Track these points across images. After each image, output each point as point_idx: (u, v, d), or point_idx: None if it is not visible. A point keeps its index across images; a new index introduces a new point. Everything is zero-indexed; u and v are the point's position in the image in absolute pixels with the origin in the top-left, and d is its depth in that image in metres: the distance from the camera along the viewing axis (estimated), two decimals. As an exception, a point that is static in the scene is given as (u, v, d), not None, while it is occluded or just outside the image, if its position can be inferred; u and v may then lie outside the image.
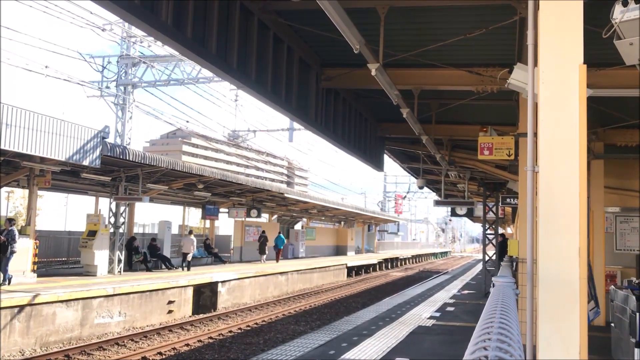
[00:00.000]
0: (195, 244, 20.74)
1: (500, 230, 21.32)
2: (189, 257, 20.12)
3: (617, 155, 11.39)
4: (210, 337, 13.12)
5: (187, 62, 21.55)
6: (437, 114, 11.70)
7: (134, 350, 11.53)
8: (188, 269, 19.85)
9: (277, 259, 27.24)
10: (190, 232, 22.21)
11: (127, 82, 22.64)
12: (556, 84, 3.35)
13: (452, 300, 15.25)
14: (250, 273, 19.84)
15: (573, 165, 3.26)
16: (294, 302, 20.12)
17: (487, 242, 19.71)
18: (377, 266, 38.53)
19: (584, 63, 3.34)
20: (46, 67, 19.23)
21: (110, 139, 16.76)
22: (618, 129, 10.73)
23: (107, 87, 22.61)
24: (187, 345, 12.30)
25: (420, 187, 18.97)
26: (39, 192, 16.39)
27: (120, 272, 17.30)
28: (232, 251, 28.33)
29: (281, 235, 28.17)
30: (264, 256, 25.99)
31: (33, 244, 13.97)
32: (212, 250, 24.44)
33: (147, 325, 14.04)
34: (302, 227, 37.96)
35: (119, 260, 17.40)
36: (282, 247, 27.79)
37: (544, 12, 3.44)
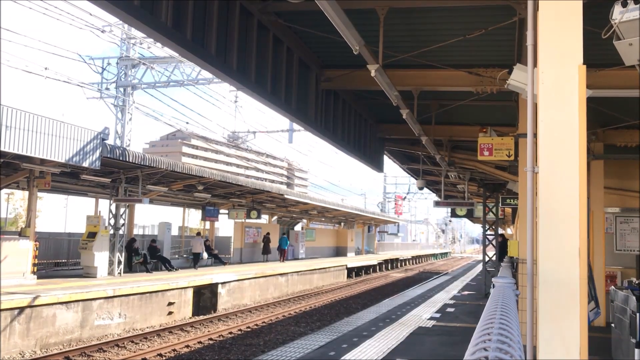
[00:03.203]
0: (203, 244, 22.43)
1: (500, 231, 21.31)
2: (205, 256, 22.37)
3: (617, 156, 11.39)
4: (210, 339, 13.11)
5: (186, 63, 21.57)
6: (437, 115, 11.70)
7: (134, 352, 11.53)
8: (196, 266, 21.80)
9: (282, 259, 29.04)
10: (198, 234, 24.00)
11: (126, 83, 22.66)
12: (556, 84, 3.35)
13: (452, 301, 15.24)
14: (250, 274, 19.84)
15: (573, 166, 3.26)
16: (294, 304, 20.11)
17: (487, 242, 19.70)
18: (377, 267, 38.53)
19: (584, 63, 3.34)
20: (46, 68, 19.26)
21: (110, 141, 16.79)
22: (618, 130, 10.73)
23: (107, 89, 22.66)
24: (187, 346, 12.29)
25: (420, 188, 18.96)
26: (39, 194, 16.38)
27: (120, 273, 17.29)
28: (232, 252, 28.36)
29: (285, 236, 30.23)
30: (267, 256, 27.86)
31: (33, 246, 13.96)
32: (212, 252, 24.47)
33: (147, 327, 14.03)
34: (302, 228, 37.98)
35: (119, 262, 17.38)
36: (286, 248, 29.60)
37: (544, 12, 3.44)
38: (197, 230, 26.99)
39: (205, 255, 22.54)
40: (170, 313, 15.22)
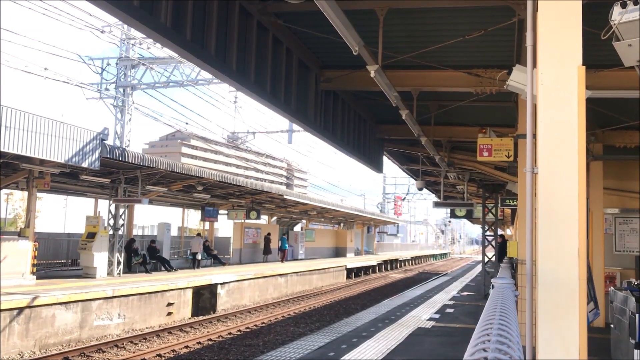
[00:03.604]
0: (202, 244, 22.97)
1: (500, 232, 21.33)
2: (199, 256, 22.50)
3: (616, 157, 11.40)
4: (210, 339, 13.11)
5: (186, 63, 21.57)
6: (436, 116, 11.70)
7: (133, 352, 11.52)
8: (198, 267, 22.23)
9: (282, 260, 29.37)
10: (199, 235, 24.40)
11: (126, 84, 22.66)
12: (555, 85, 3.35)
13: (451, 302, 15.24)
14: (249, 275, 19.84)
15: (572, 167, 3.26)
16: (294, 304, 20.11)
17: (486, 243, 19.71)
18: (377, 268, 38.52)
19: (583, 64, 3.34)
20: (45, 69, 19.25)
21: (110, 141, 16.77)
22: (617, 131, 10.73)
23: (107, 89, 22.65)
24: (187, 347, 12.29)
25: (420, 189, 18.97)
26: (38, 194, 16.35)
27: (119, 274, 17.28)
28: (231, 253, 28.37)
29: (284, 237, 30.82)
30: (267, 256, 28.27)
31: (32, 246, 13.95)
32: (212, 252, 24.48)
33: (147, 327, 14.03)
34: (302, 228, 37.96)
35: (118, 262, 17.38)
36: (286, 248, 30.03)
37: (543, 13, 3.44)
38: (198, 231, 27.12)
39: (199, 256, 22.59)
40: (169, 314, 15.21)
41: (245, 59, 7.72)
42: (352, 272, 32.70)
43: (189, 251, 23.68)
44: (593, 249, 10.47)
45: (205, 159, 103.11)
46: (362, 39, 6.44)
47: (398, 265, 46.33)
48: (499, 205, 18.27)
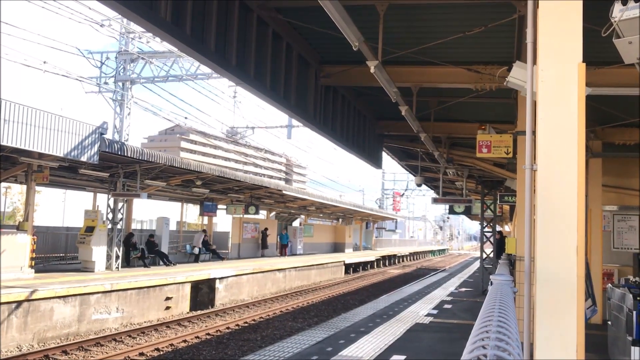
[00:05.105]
0: (201, 239, 23.46)
1: (498, 228, 21.36)
2: (196, 251, 23.07)
3: (616, 154, 11.41)
4: (208, 334, 13.13)
5: (185, 58, 21.54)
6: (436, 112, 11.70)
7: (132, 346, 11.54)
8: (197, 261, 22.65)
9: (284, 254, 30.04)
10: (204, 230, 25.01)
11: (125, 78, 22.62)
12: (555, 82, 3.35)
13: (449, 298, 15.28)
14: (248, 270, 19.86)
15: (571, 164, 3.26)
16: (292, 299, 20.14)
17: (484, 239, 19.74)
18: (375, 263, 38.58)
19: (583, 61, 3.34)
20: (44, 62, 19.20)
21: (109, 135, 16.76)
22: (616, 128, 10.74)
23: (106, 83, 22.63)
24: (185, 341, 12.31)
25: (419, 185, 18.99)
26: (37, 188, 16.33)
27: (117, 268, 17.28)
28: (230, 248, 28.38)
29: (284, 233, 31.48)
30: (266, 250, 28.73)
31: (31, 240, 13.95)
32: (210, 247, 24.49)
33: (145, 322, 14.05)
34: (300, 224, 37.98)
35: (117, 257, 17.38)
36: (286, 243, 30.72)
37: (544, 10, 3.44)
38: (203, 227, 27.23)
39: (196, 250, 22.90)
40: (167, 308, 15.23)
41: (245, 53, 7.71)
42: (350, 268, 32.76)
43: (187, 246, 23.73)
44: (591, 246, 10.49)
45: (204, 154, 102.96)
46: (362, 34, 6.43)
47: (396, 261, 46.40)
48: (498, 201, 18.29)
